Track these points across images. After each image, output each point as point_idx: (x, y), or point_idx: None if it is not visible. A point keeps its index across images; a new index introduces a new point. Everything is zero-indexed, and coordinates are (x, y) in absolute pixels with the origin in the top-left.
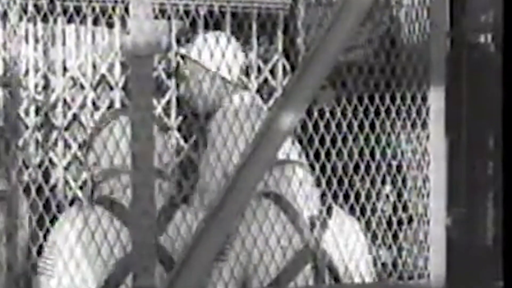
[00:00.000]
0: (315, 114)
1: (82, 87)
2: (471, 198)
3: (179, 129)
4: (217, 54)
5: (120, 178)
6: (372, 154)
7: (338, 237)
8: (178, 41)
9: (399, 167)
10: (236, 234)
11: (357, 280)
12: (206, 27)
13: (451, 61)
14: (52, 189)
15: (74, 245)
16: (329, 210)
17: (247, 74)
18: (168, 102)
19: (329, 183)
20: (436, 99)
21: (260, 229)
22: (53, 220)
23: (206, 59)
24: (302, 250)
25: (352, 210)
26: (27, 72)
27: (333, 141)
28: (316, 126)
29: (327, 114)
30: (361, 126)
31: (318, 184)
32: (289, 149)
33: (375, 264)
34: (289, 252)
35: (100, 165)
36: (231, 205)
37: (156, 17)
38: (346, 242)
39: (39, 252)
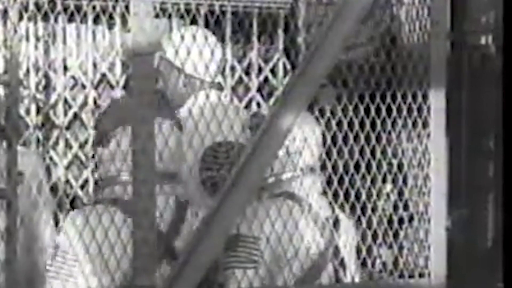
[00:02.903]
0: (316, 113)
1: (83, 86)
2: (472, 199)
3: None
4: (194, 51)
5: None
6: (373, 153)
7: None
8: None
9: (400, 166)
10: (261, 237)
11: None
12: (207, 25)
13: (452, 62)
14: (53, 188)
15: (81, 246)
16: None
17: (223, 72)
18: None
19: (329, 182)
20: (437, 98)
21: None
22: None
23: (183, 57)
24: (324, 249)
25: (353, 208)
26: (28, 71)
27: (334, 140)
28: None
29: (328, 113)
30: (362, 125)
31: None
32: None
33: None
34: (313, 251)
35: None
36: (232, 203)
37: (157, 16)
38: (348, 239)
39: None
